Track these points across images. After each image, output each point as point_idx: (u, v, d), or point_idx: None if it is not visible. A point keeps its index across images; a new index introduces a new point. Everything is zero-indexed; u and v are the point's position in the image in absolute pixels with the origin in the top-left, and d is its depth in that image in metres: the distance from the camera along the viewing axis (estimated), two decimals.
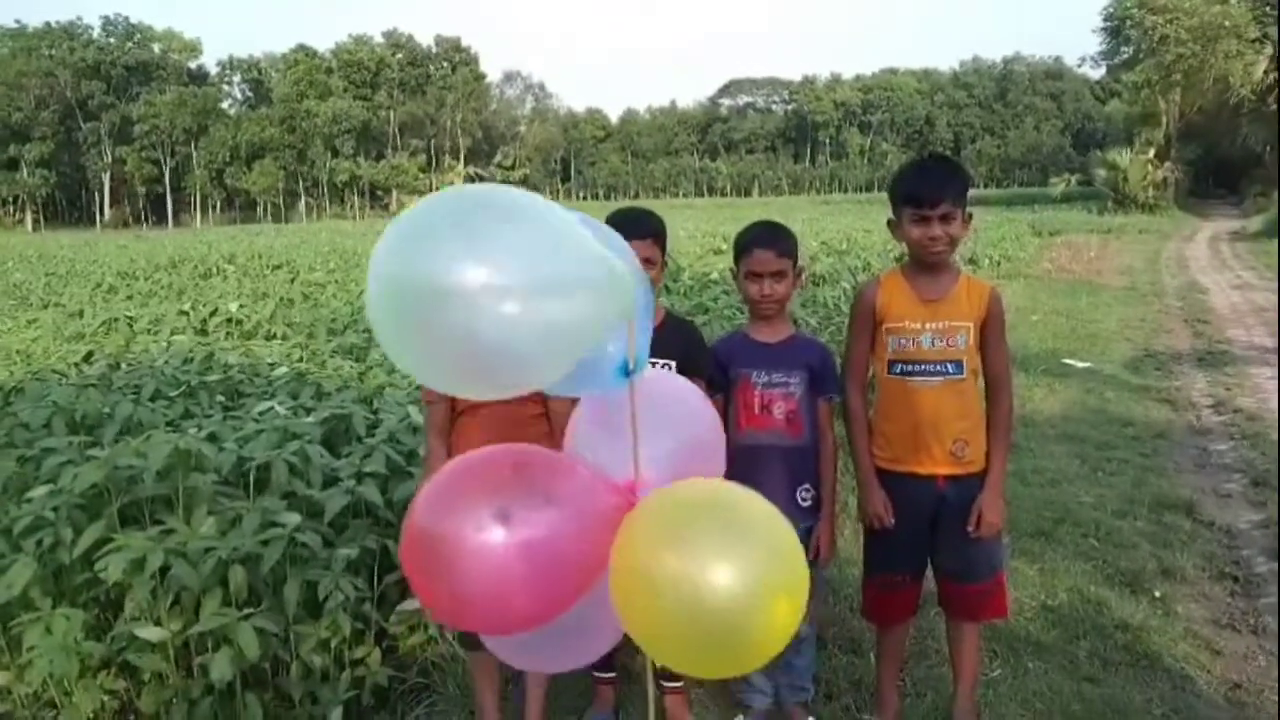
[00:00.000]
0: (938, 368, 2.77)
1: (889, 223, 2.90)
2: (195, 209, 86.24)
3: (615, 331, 1.36)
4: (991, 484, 2.81)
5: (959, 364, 2.77)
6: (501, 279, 1.14)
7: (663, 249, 2.78)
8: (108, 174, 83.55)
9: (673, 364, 2.75)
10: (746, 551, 1.29)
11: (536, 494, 1.34)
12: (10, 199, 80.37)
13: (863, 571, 3.02)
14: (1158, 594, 3.97)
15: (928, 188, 2.73)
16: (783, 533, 1.36)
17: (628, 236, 2.66)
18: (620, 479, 1.46)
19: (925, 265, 2.82)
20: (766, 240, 2.84)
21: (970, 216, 2.83)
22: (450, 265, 1.14)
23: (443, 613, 1.36)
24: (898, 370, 2.81)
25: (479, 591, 1.29)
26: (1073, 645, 3.53)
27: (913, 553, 2.86)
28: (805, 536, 2.86)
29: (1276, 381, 7.65)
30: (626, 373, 1.36)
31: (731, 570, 1.27)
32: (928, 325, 2.78)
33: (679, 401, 1.72)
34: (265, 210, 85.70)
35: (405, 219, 1.25)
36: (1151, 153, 38.18)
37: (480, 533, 1.30)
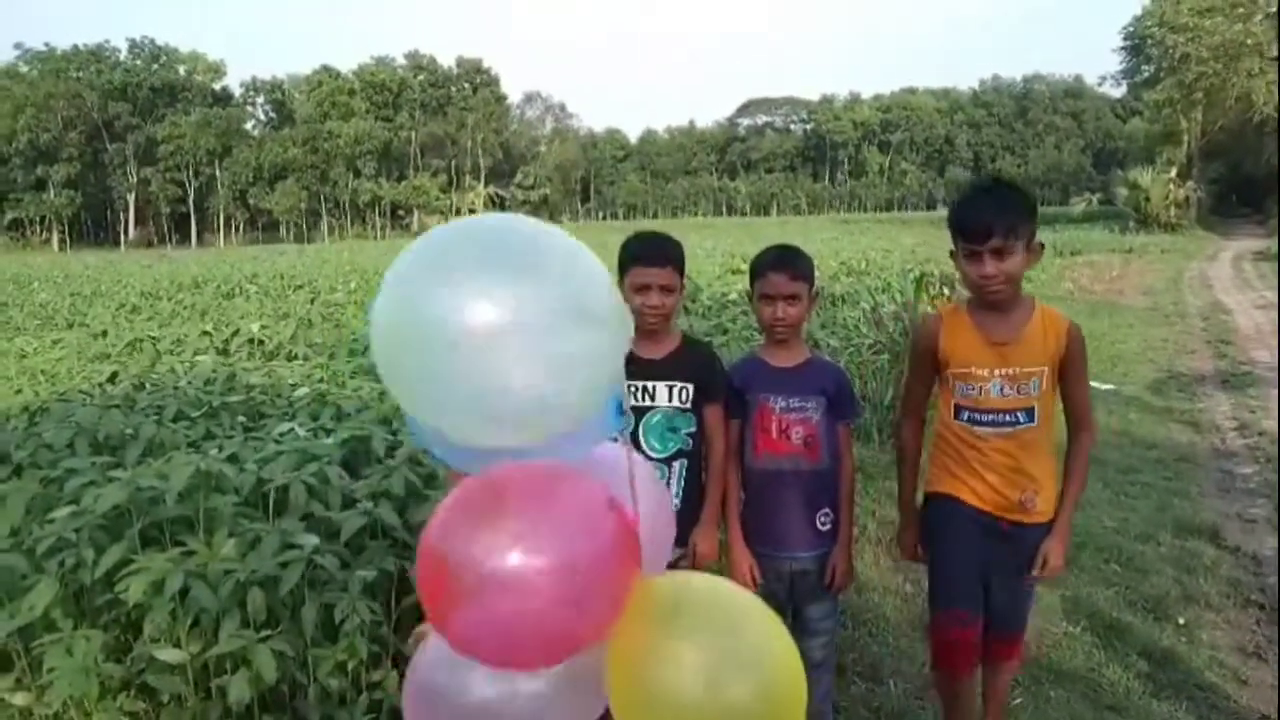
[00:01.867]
0: (1008, 417, 2.58)
1: (950, 254, 2.67)
2: (219, 229, 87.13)
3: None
4: (1060, 527, 2.65)
5: (1030, 411, 2.58)
6: (516, 317, 1.12)
7: (681, 275, 2.78)
8: (133, 194, 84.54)
9: (690, 387, 2.75)
10: (749, 670, 1.29)
11: (550, 512, 1.33)
12: (37, 219, 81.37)
13: (929, 616, 2.85)
14: (1182, 621, 3.92)
15: (975, 218, 2.51)
16: (786, 646, 1.37)
17: (647, 264, 2.69)
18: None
19: (989, 303, 2.59)
20: (780, 264, 2.83)
21: (1040, 247, 2.59)
22: (460, 308, 1.11)
23: (456, 640, 1.34)
24: (964, 418, 2.64)
25: (499, 616, 1.29)
26: (1095, 673, 3.49)
27: (972, 587, 2.70)
28: (824, 561, 2.85)
29: (1277, 399, 7.57)
30: (621, 412, 1.34)
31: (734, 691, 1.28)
32: (996, 372, 2.57)
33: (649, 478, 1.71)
34: (288, 230, 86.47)
35: (403, 262, 1.21)
36: (1173, 172, 37.95)
37: (496, 556, 1.29)
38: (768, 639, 1.33)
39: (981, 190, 2.64)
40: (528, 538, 1.30)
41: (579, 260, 1.25)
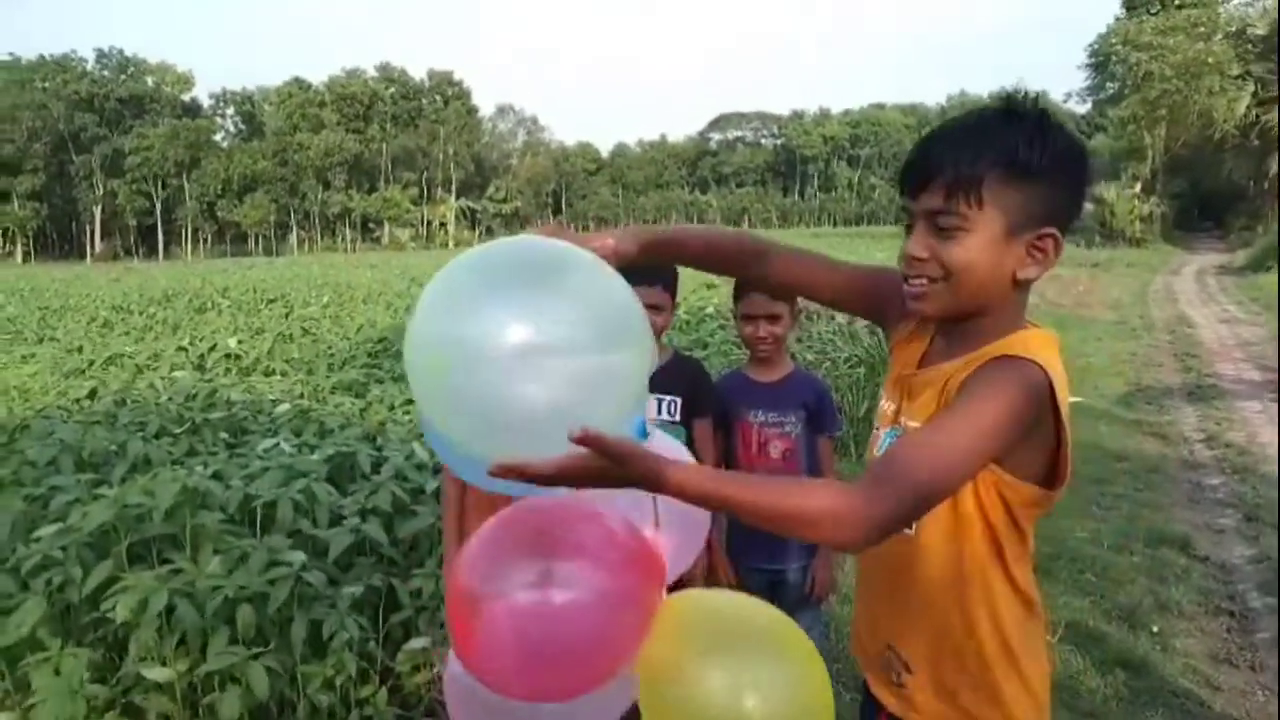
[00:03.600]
0: None
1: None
2: (186, 241, 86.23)
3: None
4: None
5: None
6: (548, 336, 1.13)
7: (673, 295, 2.82)
8: (99, 206, 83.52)
9: (679, 401, 2.79)
10: (779, 678, 1.31)
11: (574, 550, 1.36)
12: (1, 231, 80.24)
13: None
14: (1156, 629, 4.01)
15: (917, 153, 1.53)
16: (811, 655, 1.38)
17: (637, 283, 2.72)
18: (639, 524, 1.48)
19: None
20: None
21: (1053, 242, 1.42)
22: (498, 326, 1.12)
23: (486, 676, 1.36)
24: None
25: (530, 653, 1.31)
26: (1074, 681, 3.56)
27: None
28: (803, 573, 2.91)
29: (1277, 414, 7.71)
30: (645, 432, 1.36)
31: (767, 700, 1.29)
32: (900, 417, 1.75)
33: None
34: (256, 243, 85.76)
35: (443, 278, 1.22)
36: (1138, 187, 38.61)
37: (526, 593, 1.31)
38: (797, 657, 1.35)
39: (945, 123, 1.47)
40: (555, 573, 1.32)
41: (607, 279, 1.27)
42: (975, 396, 1.30)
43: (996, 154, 1.34)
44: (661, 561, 1.44)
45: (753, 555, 2.90)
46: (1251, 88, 34.98)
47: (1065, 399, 1.34)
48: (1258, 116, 34.09)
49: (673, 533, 1.49)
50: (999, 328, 1.41)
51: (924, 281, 1.40)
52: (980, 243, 1.36)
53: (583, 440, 1.11)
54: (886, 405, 1.57)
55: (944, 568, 1.42)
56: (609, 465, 1.15)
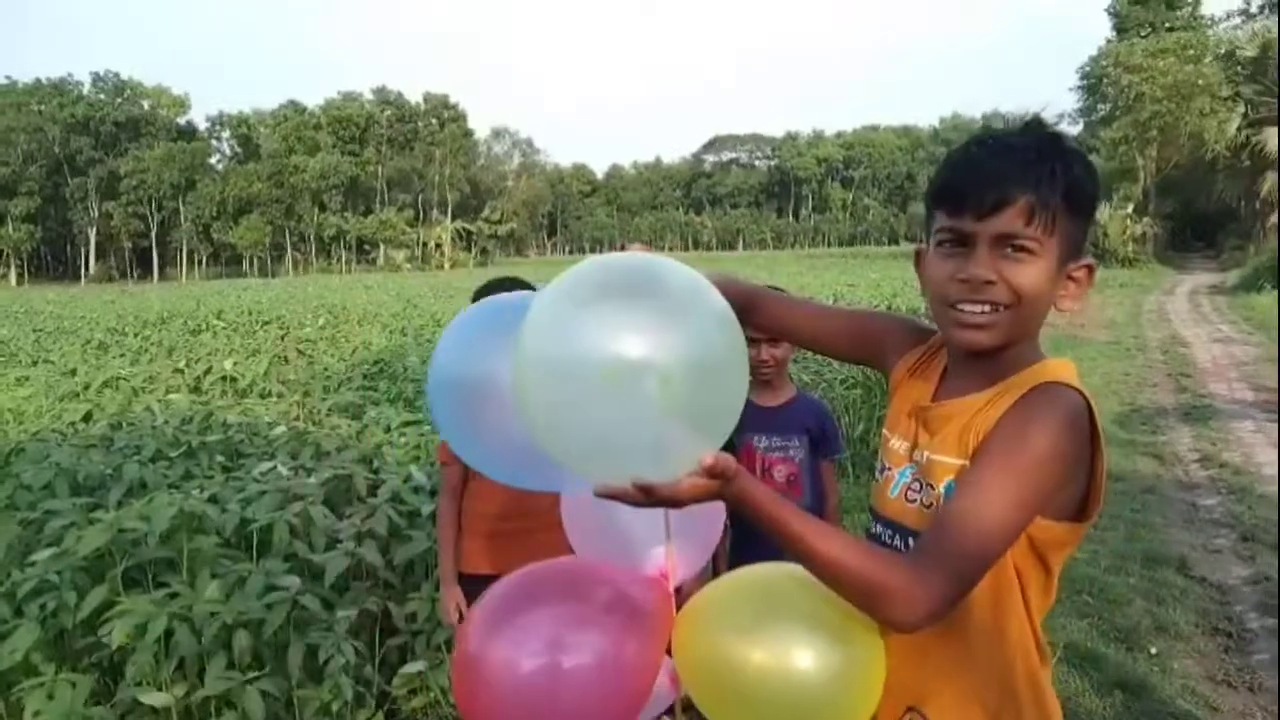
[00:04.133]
0: (898, 539, 1.55)
1: (916, 256, 2.05)
2: (181, 264, 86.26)
3: None
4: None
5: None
6: (658, 357, 1.11)
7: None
8: (94, 229, 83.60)
9: None
10: (829, 638, 1.30)
11: (583, 610, 1.37)
12: None
13: None
14: (1154, 651, 4.00)
15: (972, 174, 1.45)
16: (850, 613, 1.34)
17: None
18: (646, 566, 1.49)
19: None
20: None
21: (1088, 271, 1.41)
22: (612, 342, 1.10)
23: None
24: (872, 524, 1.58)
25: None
26: (1073, 703, 3.55)
27: None
28: None
29: (1278, 435, 7.72)
30: None
31: (819, 656, 1.28)
32: (913, 452, 1.58)
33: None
34: (252, 264, 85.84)
35: (554, 291, 1.19)
36: (1130, 208, 38.81)
37: (536, 659, 1.32)
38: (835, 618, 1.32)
39: (993, 141, 1.37)
40: (563, 637, 1.34)
41: (718, 304, 1.24)
42: (1019, 440, 1.24)
43: (1065, 180, 1.29)
44: (669, 595, 1.44)
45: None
46: (1242, 109, 35.30)
47: (1101, 426, 1.30)
48: (1248, 137, 34.36)
49: (683, 541, 1.48)
50: (1023, 357, 1.35)
51: (987, 309, 1.30)
52: (1046, 270, 1.30)
53: (712, 469, 1.16)
54: (897, 444, 1.47)
55: (976, 621, 1.32)
56: (722, 485, 1.18)
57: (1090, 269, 1.36)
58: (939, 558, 1.20)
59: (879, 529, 1.47)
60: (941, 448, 1.36)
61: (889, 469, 1.47)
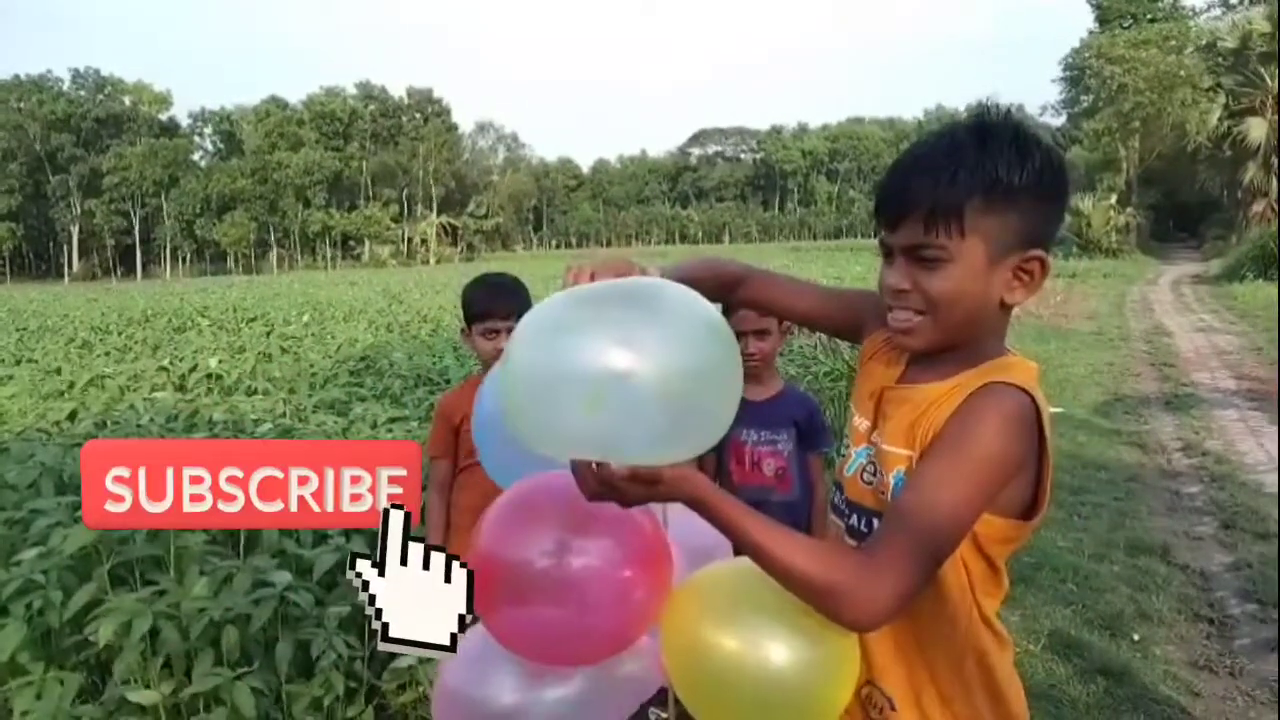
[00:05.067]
0: (855, 520, 1.54)
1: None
2: (165, 261, 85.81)
3: None
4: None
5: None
6: (649, 368, 1.18)
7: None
8: (76, 227, 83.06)
9: None
10: (805, 631, 1.31)
11: (590, 522, 1.40)
12: None
13: None
14: (1136, 637, 4.05)
15: (891, 184, 1.50)
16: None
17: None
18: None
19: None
20: None
21: (1039, 265, 1.38)
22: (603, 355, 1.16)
23: (501, 636, 1.42)
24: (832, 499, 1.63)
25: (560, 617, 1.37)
26: (1056, 690, 3.59)
27: None
28: None
29: (1278, 426, 7.78)
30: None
31: (793, 650, 1.29)
32: (870, 434, 1.61)
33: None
34: (236, 262, 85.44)
35: (547, 308, 1.26)
36: (1113, 198, 39.00)
37: (541, 559, 1.37)
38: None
39: (913, 150, 1.40)
40: (572, 541, 1.37)
41: (710, 316, 1.31)
42: (965, 439, 1.26)
43: (974, 180, 1.27)
44: (669, 552, 1.46)
45: None
46: (1223, 100, 35.52)
47: (1050, 429, 1.32)
48: (1229, 128, 34.60)
49: (679, 543, 1.51)
50: (982, 351, 1.37)
51: (909, 315, 1.35)
52: (964, 272, 1.30)
53: (635, 476, 1.22)
54: (859, 421, 1.49)
55: (923, 609, 1.36)
56: (648, 489, 1.24)
57: (1041, 260, 1.33)
58: (889, 558, 1.22)
59: (840, 502, 1.51)
60: (893, 437, 1.39)
61: (849, 447, 1.51)
